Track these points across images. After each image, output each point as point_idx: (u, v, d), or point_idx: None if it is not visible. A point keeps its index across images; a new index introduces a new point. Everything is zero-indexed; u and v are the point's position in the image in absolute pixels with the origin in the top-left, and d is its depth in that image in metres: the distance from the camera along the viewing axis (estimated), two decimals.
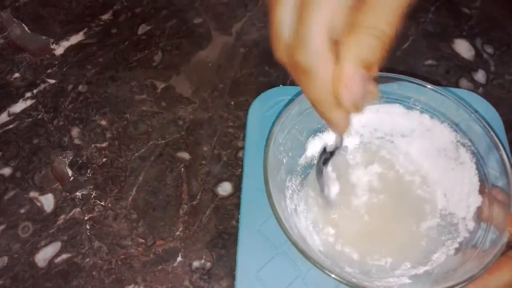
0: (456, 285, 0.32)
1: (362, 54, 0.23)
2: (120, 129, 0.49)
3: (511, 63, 0.54)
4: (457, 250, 0.37)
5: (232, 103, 0.50)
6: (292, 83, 0.51)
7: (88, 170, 0.46)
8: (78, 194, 0.45)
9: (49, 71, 0.53)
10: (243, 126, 0.48)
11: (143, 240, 0.42)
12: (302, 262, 0.37)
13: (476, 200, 0.38)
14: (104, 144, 0.48)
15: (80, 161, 0.47)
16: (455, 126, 0.41)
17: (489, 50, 0.55)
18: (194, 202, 0.44)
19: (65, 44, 0.55)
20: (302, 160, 0.43)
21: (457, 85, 0.52)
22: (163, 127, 0.49)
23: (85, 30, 0.56)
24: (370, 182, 0.42)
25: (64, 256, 0.42)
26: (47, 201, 0.45)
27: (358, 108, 0.24)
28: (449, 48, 0.55)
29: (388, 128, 0.44)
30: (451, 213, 0.40)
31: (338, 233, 0.40)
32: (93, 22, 0.57)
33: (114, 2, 0.58)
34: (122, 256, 0.42)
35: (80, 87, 0.52)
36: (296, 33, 0.24)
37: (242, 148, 0.47)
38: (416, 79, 0.40)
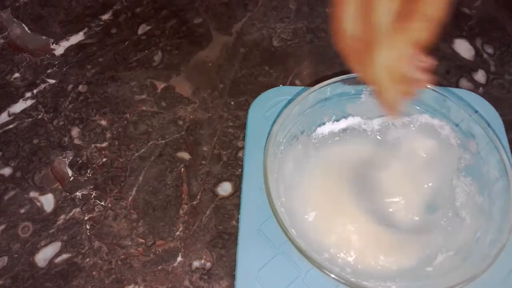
0: (456, 285, 0.32)
1: (415, 35, 0.28)
2: (120, 129, 0.49)
3: (511, 63, 0.54)
4: (457, 250, 0.37)
5: (232, 103, 0.50)
6: (292, 83, 0.51)
7: (88, 170, 0.46)
8: (78, 194, 0.45)
9: (49, 71, 0.53)
10: (243, 126, 0.48)
11: (143, 240, 0.42)
12: (302, 262, 0.37)
13: (477, 200, 0.38)
14: (104, 144, 0.48)
15: (80, 161, 0.47)
16: (455, 126, 0.41)
17: (489, 50, 0.55)
18: (194, 202, 0.44)
19: (65, 44, 0.55)
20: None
21: (457, 85, 0.52)
22: (163, 127, 0.49)
23: (85, 30, 0.56)
24: (369, 181, 0.42)
25: (64, 256, 0.42)
26: (47, 201, 0.45)
27: (409, 91, 0.30)
28: (449, 48, 0.55)
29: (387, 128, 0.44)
30: (451, 213, 0.40)
31: (339, 234, 0.40)
32: (93, 22, 0.57)
33: (114, 2, 0.58)
34: (122, 256, 0.42)
35: (80, 87, 0.52)
36: (363, 19, 0.29)
37: (242, 148, 0.47)
38: None
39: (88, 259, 0.41)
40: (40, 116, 0.50)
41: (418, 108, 0.42)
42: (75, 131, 0.49)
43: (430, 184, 0.42)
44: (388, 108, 0.32)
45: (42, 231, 0.43)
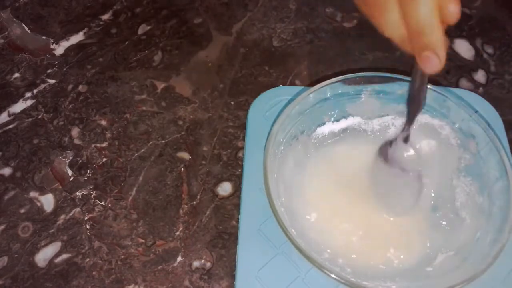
0: (456, 285, 0.32)
1: None
2: (120, 129, 0.49)
3: (511, 63, 0.54)
4: (457, 250, 0.37)
5: (232, 103, 0.50)
6: (292, 83, 0.51)
7: (88, 170, 0.46)
8: (78, 194, 0.45)
9: (49, 71, 0.53)
10: (243, 126, 0.48)
11: (143, 240, 0.42)
12: (302, 262, 0.37)
13: (477, 200, 0.38)
14: (104, 144, 0.48)
15: (80, 161, 0.47)
16: (455, 126, 0.41)
17: (489, 50, 0.55)
18: (194, 202, 0.44)
19: (65, 44, 0.55)
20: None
21: (457, 85, 0.52)
22: (163, 127, 0.49)
23: (85, 30, 0.56)
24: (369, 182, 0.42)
25: (64, 256, 0.42)
26: (47, 201, 0.45)
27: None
28: (449, 48, 0.55)
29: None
30: (451, 213, 0.40)
31: (339, 234, 0.40)
32: (93, 22, 0.57)
33: (114, 2, 0.58)
34: (122, 256, 0.42)
35: (80, 87, 0.52)
36: None
37: (242, 148, 0.47)
38: None
39: (88, 259, 0.41)
40: (40, 116, 0.50)
41: None
42: (75, 131, 0.49)
43: (430, 184, 0.42)
44: (432, 53, 0.28)
45: (42, 231, 0.43)
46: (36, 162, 0.47)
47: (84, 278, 0.41)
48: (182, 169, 0.46)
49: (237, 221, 0.43)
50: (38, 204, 0.44)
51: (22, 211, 0.44)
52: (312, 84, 0.51)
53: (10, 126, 0.49)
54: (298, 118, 0.41)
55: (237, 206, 0.43)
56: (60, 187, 0.45)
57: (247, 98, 0.50)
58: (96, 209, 0.44)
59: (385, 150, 0.38)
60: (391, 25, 0.28)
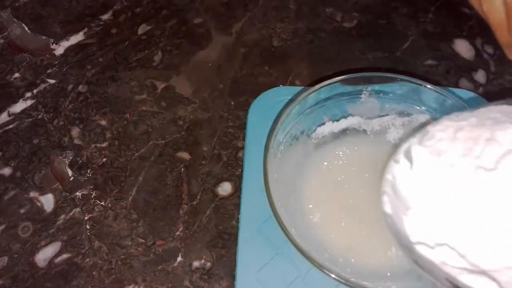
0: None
1: None
2: (120, 129, 0.49)
3: (511, 63, 0.54)
4: None
5: (232, 103, 0.50)
6: (292, 83, 0.51)
7: (88, 170, 0.46)
8: (78, 194, 0.45)
9: (49, 71, 0.53)
10: (243, 126, 0.48)
11: (143, 240, 0.42)
12: (302, 262, 0.37)
13: None
14: (104, 144, 0.48)
15: (80, 161, 0.47)
16: None
17: (489, 50, 0.55)
18: (194, 202, 0.44)
19: (65, 44, 0.55)
20: None
21: (457, 85, 0.52)
22: (163, 127, 0.49)
23: (85, 30, 0.56)
24: (369, 181, 0.42)
25: (64, 256, 0.42)
26: (47, 201, 0.45)
27: None
28: (449, 48, 0.55)
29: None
30: None
31: (342, 234, 0.40)
32: (93, 22, 0.57)
33: (114, 2, 0.58)
34: (122, 256, 0.42)
35: (80, 87, 0.52)
36: None
37: (242, 148, 0.47)
38: (416, 79, 0.40)
39: (88, 259, 0.41)
40: (40, 116, 0.50)
41: (418, 108, 0.42)
42: (75, 131, 0.49)
43: None
44: None
45: (42, 231, 0.43)
46: (36, 162, 0.47)
47: (84, 278, 0.41)
48: (182, 169, 0.46)
49: (237, 221, 0.43)
50: (38, 204, 0.44)
51: (22, 211, 0.44)
52: (312, 84, 0.51)
53: (10, 126, 0.49)
54: (298, 118, 0.41)
55: (237, 206, 0.43)
56: (60, 187, 0.45)
57: (247, 98, 0.50)
58: (96, 209, 0.44)
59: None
60: (494, 10, 0.29)
